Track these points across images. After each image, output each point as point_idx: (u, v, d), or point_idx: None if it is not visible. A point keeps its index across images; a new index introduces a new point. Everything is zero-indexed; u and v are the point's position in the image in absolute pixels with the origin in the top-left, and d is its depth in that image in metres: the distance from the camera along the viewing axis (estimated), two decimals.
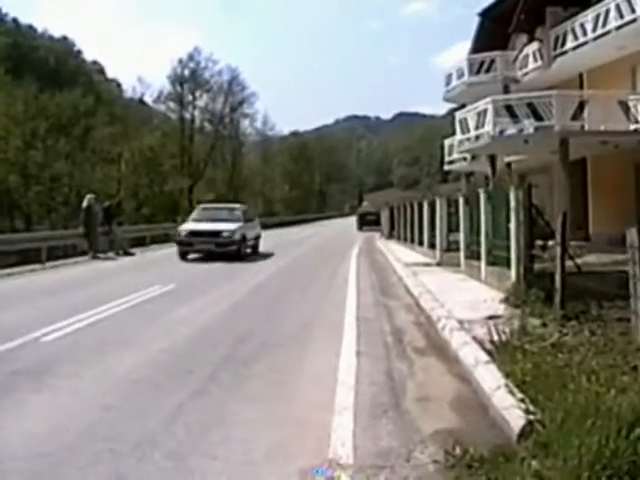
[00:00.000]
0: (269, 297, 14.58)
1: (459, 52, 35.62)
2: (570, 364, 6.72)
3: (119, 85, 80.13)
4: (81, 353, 8.70)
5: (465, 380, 7.00)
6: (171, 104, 76.14)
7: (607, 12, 23.12)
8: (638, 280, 7.83)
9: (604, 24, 23.35)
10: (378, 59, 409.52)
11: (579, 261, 15.25)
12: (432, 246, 22.50)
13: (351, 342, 9.03)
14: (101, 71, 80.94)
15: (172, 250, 25.38)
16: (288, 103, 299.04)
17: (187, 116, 76.38)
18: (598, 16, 23.67)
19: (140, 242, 33.43)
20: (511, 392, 5.81)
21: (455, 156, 34.90)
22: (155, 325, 10.88)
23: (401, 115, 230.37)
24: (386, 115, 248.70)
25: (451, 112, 29.76)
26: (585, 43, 24.64)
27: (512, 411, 5.39)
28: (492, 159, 28.92)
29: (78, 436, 5.51)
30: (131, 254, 27.31)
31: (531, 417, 5.13)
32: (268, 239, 40.47)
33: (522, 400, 5.54)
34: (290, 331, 10.18)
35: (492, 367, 6.84)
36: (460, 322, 9.59)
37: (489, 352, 7.62)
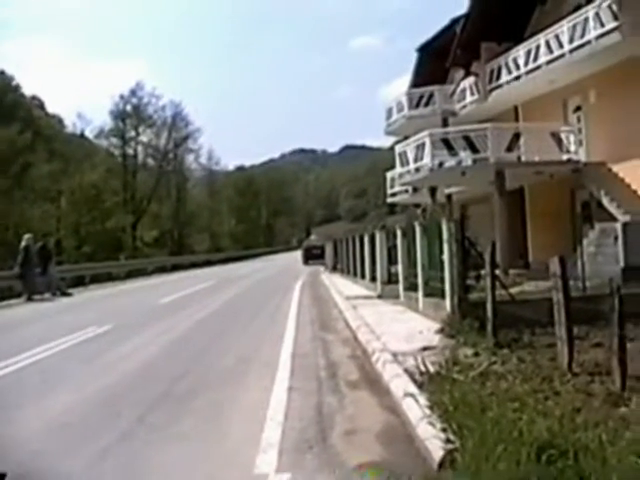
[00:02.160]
0: (208, 334, 14.50)
1: (403, 86, 36.44)
2: (496, 392, 6.84)
3: (60, 120, 79.05)
4: (12, 396, 8.56)
5: (394, 412, 7.05)
6: (113, 140, 75.52)
7: (538, 47, 23.79)
8: (562, 307, 8.02)
9: (535, 59, 24.02)
10: (325, 93, 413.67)
11: (517, 289, 15.56)
12: (373, 279, 22.63)
13: (284, 377, 9.03)
14: (41, 106, 79.75)
15: (112, 290, 25.13)
16: (234, 137, 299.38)
17: (130, 152, 75.82)
18: (530, 51, 24.34)
19: (79, 282, 32.92)
20: (435, 422, 5.88)
21: (397, 188, 35.29)
22: (89, 366, 10.75)
23: (348, 148, 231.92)
24: (333, 148, 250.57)
25: (396, 144, 30.25)
26: (519, 77, 25.28)
27: (434, 441, 5.46)
28: (432, 191, 29.32)
29: None
30: (68, 294, 26.85)
31: (450, 446, 5.21)
32: (214, 275, 40.51)
33: (444, 430, 5.62)
34: (226, 368, 10.14)
35: (420, 398, 6.90)
36: (394, 354, 9.66)
37: (419, 383, 7.69)
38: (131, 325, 16.51)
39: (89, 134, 74.58)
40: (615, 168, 21.35)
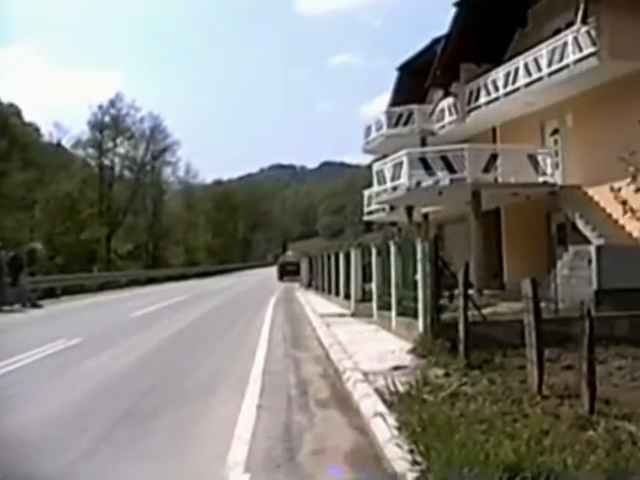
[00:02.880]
0: (179, 349, 14.41)
1: (383, 104, 36.59)
2: (465, 413, 6.82)
3: (37, 129, 78.30)
4: None
5: (363, 432, 7.01)
6: (90, 150, 74.98)
7: (517, 70, 23.96)
8: (532, 329, 8.03)
9: (514, 81, 24.17)
10: (305, 109, 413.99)
11: (491, 310, 15.58)
12: (348, 296, 22.61)
13: (254, 395, 8.97)
14: (18, 114, 78.94)
15: (84, 302, 24.90)
16: (213, 150, 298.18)
17: (107, 163, 75.22)
18: (509, 73, 24.50)
19: (51, 293, 32.57)
20: (403, 443, 5.85)
21: (374, 207, 35.32)
22: (56, 381, 10.64)
23: (326, 164, 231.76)
24: (312, 164, 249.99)
25: (374, 163, 30.38)
26: (497, 99, 25.42)
27: (401, 463, 5.43)
28: (409, 210, 29.42)
29: None
30: (39, 306, 26.56)
31: (417, 468, 5.18)
32: (188, 289, 40.32)
33: (411, 451, 5.58)
34: (195, 385, 10.07)
35: (389, 418, 6.88)
36: (365, 374, 9.64)
37: (389, 403, 7.66)
38: (101, 338, 16.32)
39: (66, 144, 73.74)
40: (590, 191, 21.50)
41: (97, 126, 74.32)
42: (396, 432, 6.24)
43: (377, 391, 8.35)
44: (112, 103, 75.04)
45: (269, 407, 8.27)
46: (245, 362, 11.97)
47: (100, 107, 74.28)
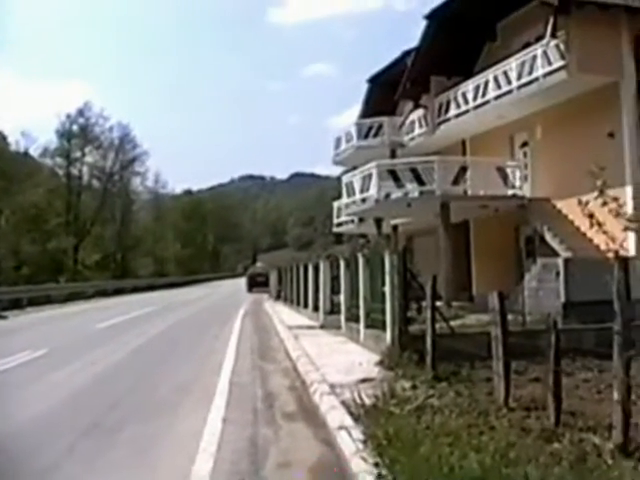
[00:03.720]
0: (146, 361, 14.29)
1: (353, 116, 36.66)
2: (431, 426, 6.81)
3: (4, 138, 77.29)
4: None
5: (329, 445, 6.96)
6: (58, 160, 74.21)
7: (486, 83, 24.06)
8: (499, 342, 8.04)
9: (484, 94, 24.26)
10: (277, 119, 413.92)
11: (459, 322, 15.62)
12: (316, 308, 22.56)
13: (220, 408, 8.89)
14: None
15: (51, 313, 24.63)
16: (183, 161, 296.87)
17: (75, 172, 74.38)
18: (478, 86, 24.59)
19: (16, 304, 32.16)
20: (368, 457, 5.80)
21: (344, 218, 35.28)
22: (20, 393, 10.49)
23: (297, 175, 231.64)
24: (282, 175, 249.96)
25: (344, 174, 30.35)
26: (467, 111, 25.50)
27: (366, 476, 5.38)
28: (378, 222, 29.42)
29: None
30: (3, 317, 26.20)
31: None
32: (156, 301, 40.03)
33: (376, 464, 5.54)
34: (161, 398, 9.96)
35: (356, 431, 6.84)
36: (332, 386, 9.60)
37: (356, 416, 7.62)
38: (67, 350, 16.16)
39: (33, 153, 73.09)
40: (559, 204, 21.62)
41: (65, 135, 73.57)
42: (362, 445, 6.20)
43: (344, 404, 8.32)
44: (81, 112, 74.40)
45: (235, 420, 8.19)
46: (212, 374, 11.87)
47: (68, 116, 73.61)
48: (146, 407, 9.30)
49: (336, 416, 7.72)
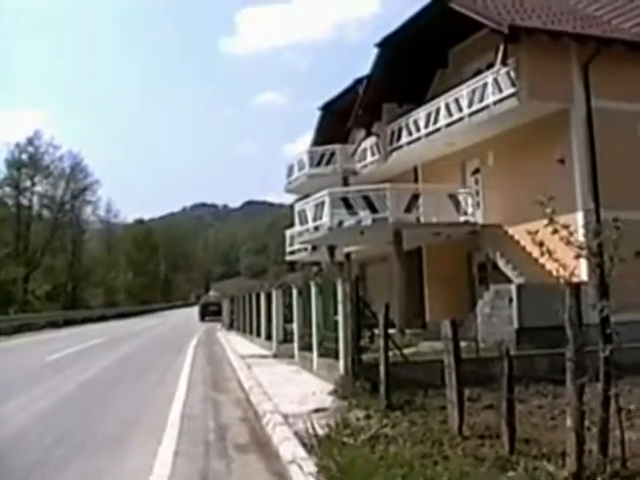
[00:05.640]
0: (94, 395, 13.95)
1: (306, 144, 36.63)
2: (385, 456, 6.73)
3: None
4: None
5: (282, 477, 6.87)
6: (7, 189, 73.10)
7: (438, 110, 24.23)
8: (452, 370, 8.00)
9: (435, 121, 24.42)
10: (228, 147, 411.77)
11: (413, 349, 15.61)
12: (269, 337, 22.40)
13: (171, 441, 8.68)
14: None
15: None
16: (134, 189, 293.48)
17: (24, 202, 73.32)
18: (430, 114, 24.76)
19: None
20: None
21: (297, 246, 35.22)
22: None
23: (250, 203, 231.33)
24: (234, 203, 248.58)
25: (297, 202, 30.33)
26: (419, 139, 25.63)
27: None
28: (331, 249, 29.40)
29: None
30: None
31: None
32: (108, 331, 39.46)
33: None
34: (109, 432, 9.71)
35: (308, 462, 6.73)
36: (285, 416, 9.48)
37: (309, 447, 7.51)
38: (11, 384, 15.71)
39: None
40: (511, 230, 21.78)
41: (14, 164, 72.55)
42: (313, 478, 6.08)
43: (297, 434, 8.20)
44: (30, 141, 73.44)
45: (186, 453, 8.01)
46: (163, 406, 11.63)
47: (17, 145, 72.67)
48: (94, 442, 9.04)
49: (289, 447, 7.59)
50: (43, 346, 28.82)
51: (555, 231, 6.26)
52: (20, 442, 9.22)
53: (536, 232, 6.38)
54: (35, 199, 75.38)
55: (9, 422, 10.63)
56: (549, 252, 6.31)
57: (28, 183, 73.77)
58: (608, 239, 6.20)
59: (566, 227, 6.28)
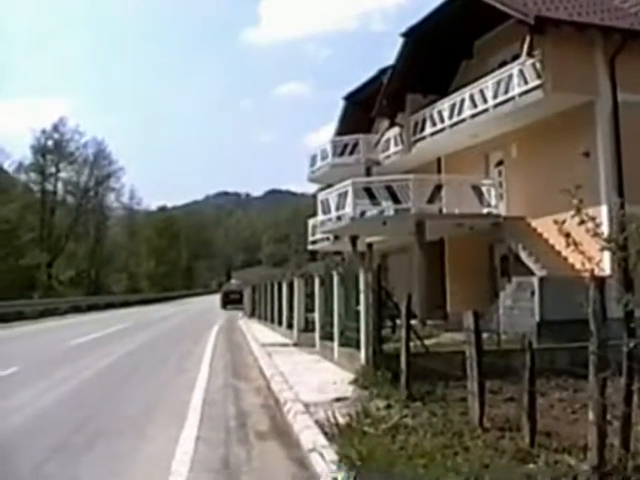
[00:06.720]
0: (117, 379, 14.09)
1: (329, 133, 36.76)
2: (406, 446, 6.74)
3: None
4: None
5: (302, 465, 6.88)
6: (33, 175, 73.72)
7: (462, 101, 24.11)
8: (474, 361, 7.99)
9: (459, 112, 24.28)
10: (251, 137, 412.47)
11: (434, 340, 15.57)
12: (291, 326, 22.45)
13: (192, 427, 8.75)
14: None
15: (22, 329, 24.30)
16: (158, 177, 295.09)
17: (49, 188, 73.97)
18: (454, 105, 24.63)
19: None
20: (342, 477, 5.73)
21: (319, 236, 35.21)
22: None
23: (272, 192, 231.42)
24: (257, 192, 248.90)
25: (319, 192, 30.28)
26: (442, 130, 25.51)
27: None
28: (353, 239, 29.34)
29: None
30: None
31: None
32: (131, 317, 39.74)
33: None
34: (132, 416, 9.81)
35: (329, 451, 6.76)
36: (306, 405, 9.51)
37: (330, 435, 7.54)
38: (37, 368, 15.92)
39: (8, 168, 72.75)
40: (534, 223, 21.66)
41: (40, 150, 73.27)
42: (335, 466, 6.12)
43: (318, 423, 8.23)
44: (55, 128, 74.16)
45: (208, 439, 8.08)
46: (184, 392, 11.73)
47: (43, 131, 73.39)
48: (117, 426, 9.13)
49: (310, 435, 7.63)
50: (67, 330, 29.17)
51: (582, 222, 6.21)
52: (43, 425, 9.34)
53: (563, 222, 6.33)
54: (60, 185, 76.30)
55: (34, 404, 10.77)
56: (575, 243, 6.26)
57: (53, 169, 74.56)
58: (634, 233, 6.15)
59: (593, 219, 6.23)
